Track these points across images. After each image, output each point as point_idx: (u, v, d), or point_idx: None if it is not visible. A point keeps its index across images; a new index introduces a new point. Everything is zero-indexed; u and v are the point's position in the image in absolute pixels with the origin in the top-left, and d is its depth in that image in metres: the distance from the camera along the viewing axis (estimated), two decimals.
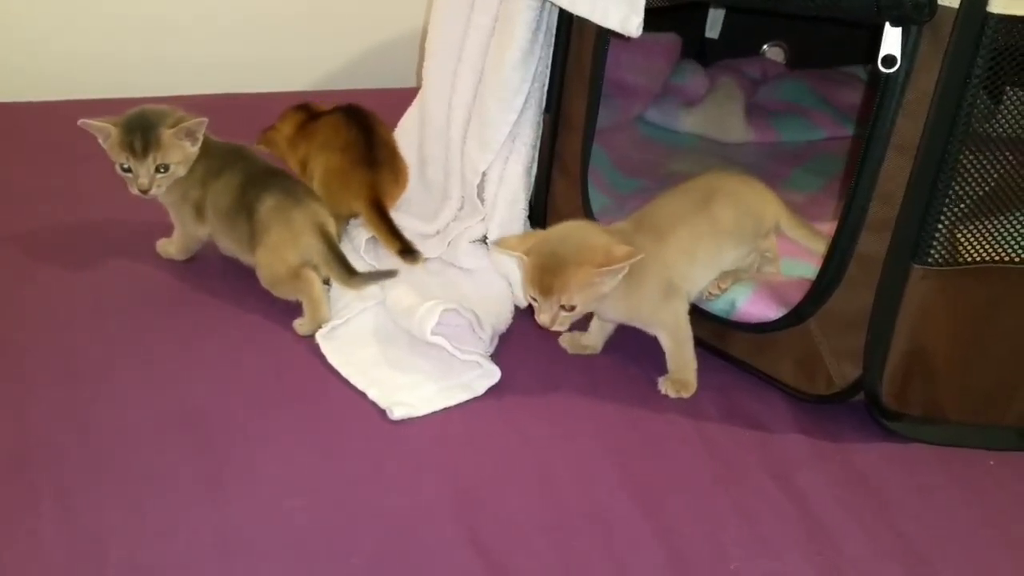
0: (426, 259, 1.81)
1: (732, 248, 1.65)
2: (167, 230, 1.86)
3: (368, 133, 1.91)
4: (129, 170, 1.71)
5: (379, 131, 1.94)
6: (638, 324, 1.62)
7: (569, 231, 1.54)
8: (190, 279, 1.81)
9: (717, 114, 2.51)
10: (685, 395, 1.59)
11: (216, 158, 1.77)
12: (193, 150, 1.73)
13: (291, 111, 2.04)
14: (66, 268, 1.82)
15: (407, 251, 1.75)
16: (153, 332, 1.66)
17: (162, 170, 1.71)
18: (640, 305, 1.56)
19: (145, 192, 1.72)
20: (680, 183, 1.70)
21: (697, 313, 1.64)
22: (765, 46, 2.88)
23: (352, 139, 1.89)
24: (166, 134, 1.69)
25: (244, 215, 1.71)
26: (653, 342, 1.62)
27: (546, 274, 1.47)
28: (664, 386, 1.60)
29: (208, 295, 1.77)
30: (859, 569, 1.27)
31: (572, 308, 1.49)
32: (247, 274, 1.75)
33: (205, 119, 1.73)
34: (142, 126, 1.70)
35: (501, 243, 1.57)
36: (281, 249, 1.68)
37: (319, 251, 1.68)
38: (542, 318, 1.50)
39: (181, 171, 1.74)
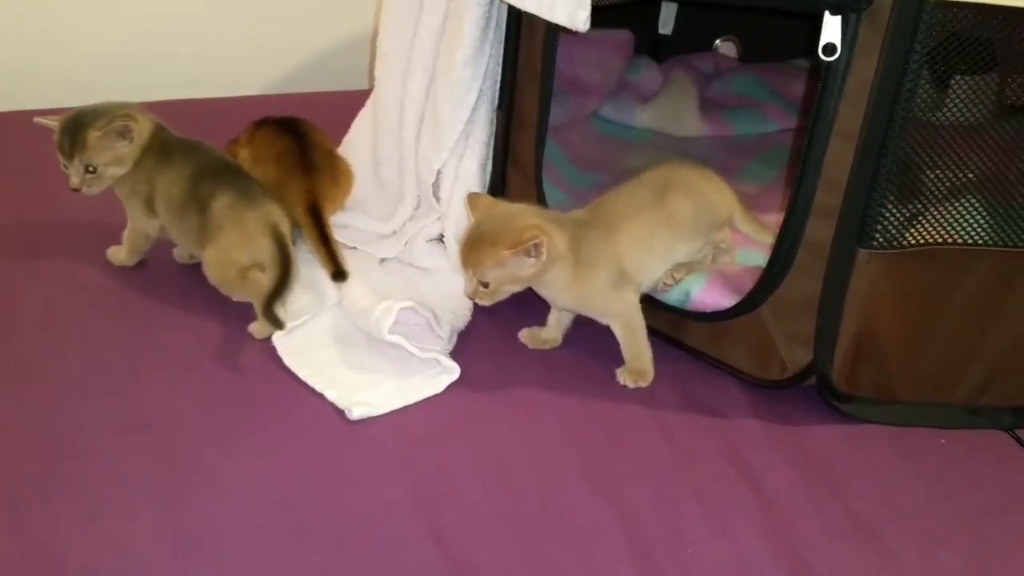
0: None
1: (687, 241, 1.67)
2: (119, 235, 1.85)
3: (301, 140, 1.91)
4: (67, 168, 1.74)
5: (312, 136, 1.94)
6: (591, 314, 1.64)
7: (514, 211, 1.56)
8: (141, 284, 1.80)
9: (671, 109, 2.53)
10: (643, 384, 1.60)
11: (167, 151, 1.77)
12: (126, 150, 1.73)
13: (242, 135, 2.03)
14: (14, 274, 1.81)
15: (339, 274, 1.73)
16: (105, 338, 1.65)
17: (91, 171, 1.72)
18: (591, 294, 1.57)
19: (78, 191, 1.73)
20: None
21: (652, 303, 1.66)
22: (717, 41, 2.91)
23: (285, 148, 1.89)
24: (91, 136, 1.69)
25: (195, 208, 1.70)
26: (611, 336, 1.63)
27: (467, 247, 1.52)
28: (622, 377, 1.61)
29: (161, 300, 1.76)
30: (814, 548, 1.29)
31: (487, 285, 1.52)
32: (200, 278, 1.74)
33: (130, 119, 1.73)
34: (72, 127, 1.71)
35: (471, 198, 1.60)
36: (232, 250, 1.67)
37: (271, 253, 1.67)
38: (465, 289, 1.55)
39: (115, 170, 1.74)
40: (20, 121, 2.02)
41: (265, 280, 1.67)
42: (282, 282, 1.65)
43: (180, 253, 1.88)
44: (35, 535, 1.25)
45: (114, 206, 1.82)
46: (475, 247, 1.50)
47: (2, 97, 2.51)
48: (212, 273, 1.70)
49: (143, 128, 1.75)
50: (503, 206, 1.59)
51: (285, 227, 1.71)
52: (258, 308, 1.66)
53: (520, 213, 1.56)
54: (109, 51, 2.65)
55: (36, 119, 1.70)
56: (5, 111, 2.43)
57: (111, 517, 1.28)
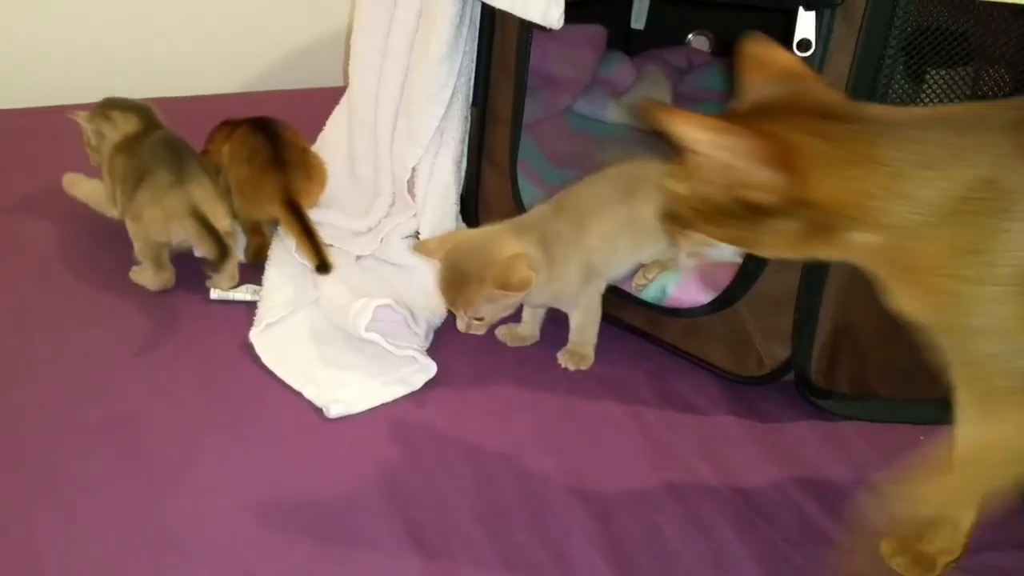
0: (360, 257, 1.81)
1: (653, 242, 1.67)
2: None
3: (274, 138, 1.90)
4: None
5: (285, 135, 1.93)
6: (559, 305, 1.66)
7: (479, 242, 1.55)
8: (113, 282, 1.79)
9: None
10: (584, 367, 1.63)
11: (131, 129, 1.88)
12: (95, 144, 1.91)
13: (216, 131, 2.02)
14: None
15: (323, 266, 1.73)
16: (78, 336, 1.64)
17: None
18: (564, 289, 1.59)
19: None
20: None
21: (629, 300, 1.66)
22: (690, 35, 2.91)
23: (258, 146, 1.88)
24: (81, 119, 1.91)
25: (132, 182, 1.76)
26: None
27: (451, 288, 1.52)
28: (564, 359, 1.64)
29: (135, 298, 1.75)
30: (792, 544, 1.29)
31: (481, 319, 1.54)
32: (176, 276, 1.74)
33: (100, 121, 1.87)
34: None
35: (420, 247, 1.61)
36: (153, 229, 1.73)
37: (193, 232, 1.71)
38: (459, 325, 1.56)
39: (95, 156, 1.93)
40: None
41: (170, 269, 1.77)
42: (219, 253, 1.71)
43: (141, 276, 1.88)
44: (12, 535, 1.24)
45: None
46: (461, 287, 1.50)
47: None
48: (136, 246, 1.78)
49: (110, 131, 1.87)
50: (465, 236, 1.58)
51: (210, 207, 1.73)
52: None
53: (493, 239, 1.55)
54: (83, 51, 2.63)
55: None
56: None
57: (87, 516, 1.27)
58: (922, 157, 0.97)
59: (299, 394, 1.52)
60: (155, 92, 2.49)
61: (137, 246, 1.78)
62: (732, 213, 1.04)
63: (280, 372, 1.56)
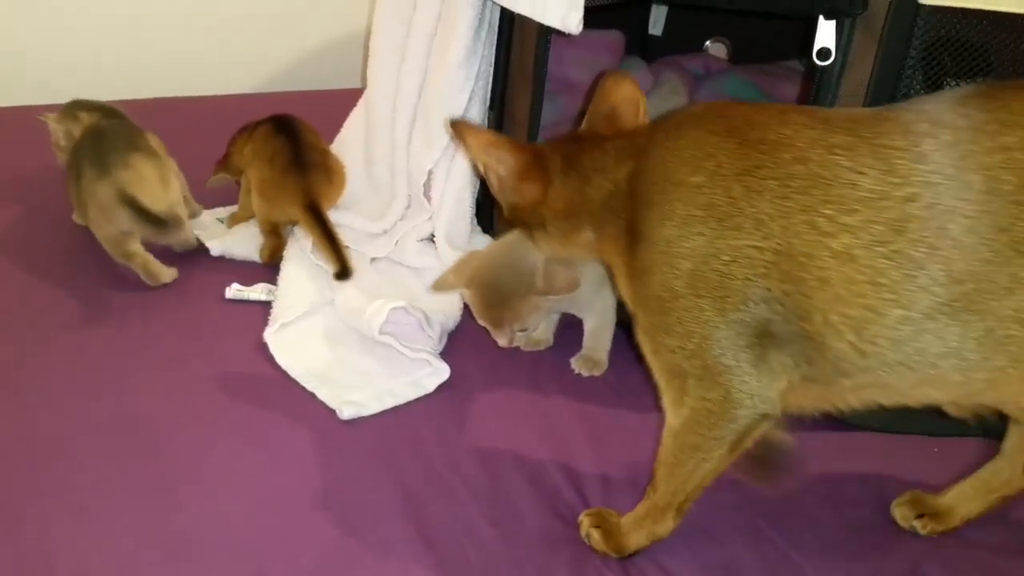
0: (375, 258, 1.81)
1: None
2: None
3: (295, 139, 1.91)
4: None
5: (306, 137, 1.94)
6: (574, 310, 1.67)
7: (502, 257, 1.55)
8: (127, 285, 1.79)
9: (661, 110, 2.50)
10: (597, 373, 1.63)
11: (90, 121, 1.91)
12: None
13: (237, 135, 2.03)
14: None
15: (343, 272, 1.74)
16: (92, 338, 1.65)
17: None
18: (581, 294, 1.57)
19: None
20: None
21: None
22: (708, 42, 2.90)
23: (279, 147, 1.89)
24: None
25: (73, 180, 1.82)
26: None
27: (492, 309, 1.52)
28: (577, 364, 1.64)
29: (150, 298, 1.76)
30: (805, 555, 1.29)
31: (525, 328, 1.55)
32: (187, 278, 1.75)
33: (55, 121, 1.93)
34: None
35: (437, 285, 1.60)
36: (99, 224, 1.78)
37: (129, 220, 1.74)
38: (500, 342, 1.56)
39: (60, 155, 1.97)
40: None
41: (139, 247, 1.79)
42: (154, 222, 1.75)
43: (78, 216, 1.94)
44: (25, 535, 1.24)
45: None
46: (506, 304, 1.52)
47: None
48: (103, 246, 1.81)
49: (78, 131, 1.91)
50: (483, 258, 1.57)
51: (138, 190, 1.75)
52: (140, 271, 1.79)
53: (517, 250, 1.54)
54: (103, 51, 2.65)
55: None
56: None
57: (100, 517, 1.28)
58: (597, 162, 1.20)
59: (312, 395, 1.52)
60: (175, 92, 2.51)
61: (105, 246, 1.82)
62: (518, 216, 1.30)
63: (294, 373, 1.57)
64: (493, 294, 1.52)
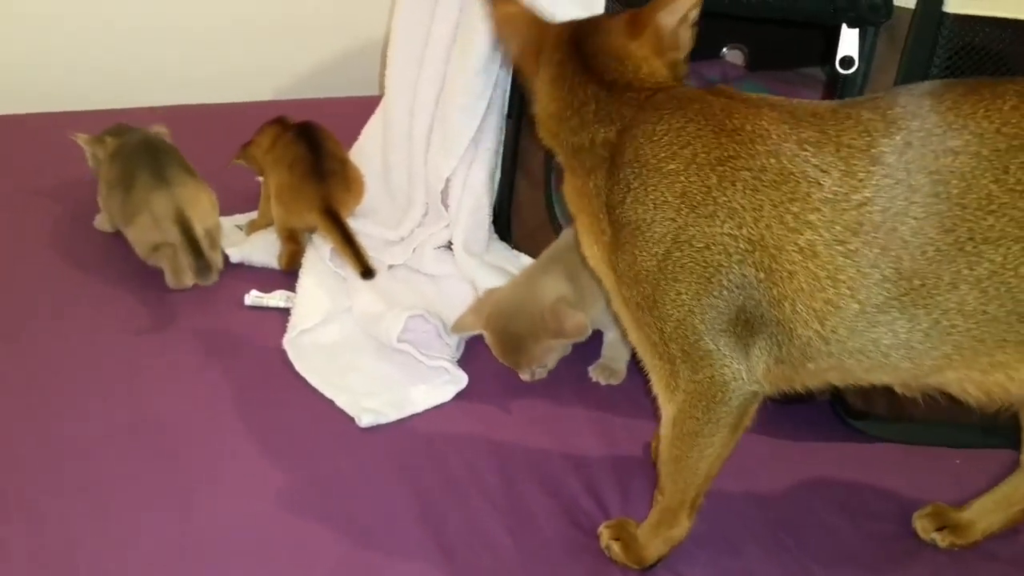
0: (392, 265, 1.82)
1: None
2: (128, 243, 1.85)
3: (316, 147, 1.91)
4: None
5: (327, 145, 1.94)
6: (594, 322, 1.64)
7: (517, 299, 1.56)
8: (149, 289, 1.79)
9: None
10: (615, 382, 1.63)
11: (115, 144, 1.91)
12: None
13: (267, 125, 2.03)
14: (23, 280, 1.81)
15: (367, 272, 1.75)
16: (114, 341, 1.65)
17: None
18: (597, 316, 1.58)
19: None
20: None
21: None
22: (724, 49, 2.89)
23: (300, 154, 1.90)
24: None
25: (121, 189, 1.81)
26: None
27: (511, 352, 1.54)
28: (595, 374, 1.64)
29: (171, 303, 1.76)
30: (825, 566, 1.28)
31: (544, 365, 1.57)
32: (210, 285, 1.75)
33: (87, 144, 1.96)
34: None
35: (457, 327, 1.61)
36: (145, 230, 1.78)
37: (177, 237, 1.75)
38: (524, 377, 1.58)
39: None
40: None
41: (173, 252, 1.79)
42: (197, 261, 1.76)
43: (101, 222, 1.96)
44: (47, 536, 1.25)
45: None
46: (521, 348, 1.54)
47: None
48: (137, 250, 1.82)
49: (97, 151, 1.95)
50: (500, 299, 1.58)
51: (193, 211, 1.78)
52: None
53: (531, 289, 1.57)
54: (124, 60, 2.66)
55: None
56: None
57: (119, 518, 1.28)
58: (585, 105, 1.17)
59: (331, 402, 1.52)
60: (195, 99, 2.52)
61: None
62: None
63: (312, 380, 1.57)
64: (506, 339, 1.54)
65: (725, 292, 1.06)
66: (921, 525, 1.35)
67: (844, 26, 1.33)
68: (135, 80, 2.63)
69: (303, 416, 1.50)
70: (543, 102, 1.22)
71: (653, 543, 1.25)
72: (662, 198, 1.07)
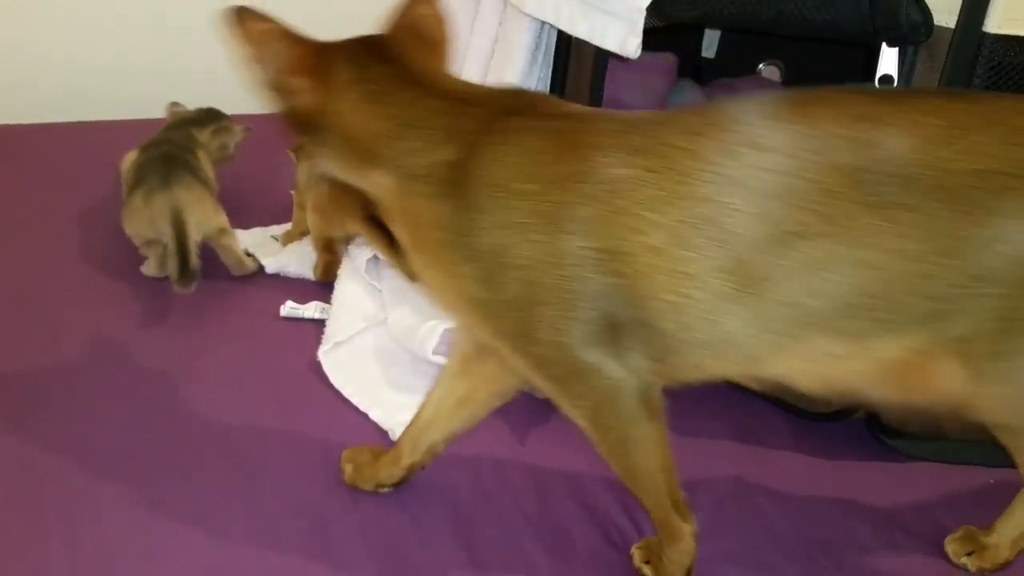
0: None
1: None
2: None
3: None
4: None
5: None
6: None
7: None
8: (183, 302, 1.80)
9: None
10: None
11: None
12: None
13: None
14: (59, 293, 1.83)
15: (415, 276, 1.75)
16: (150, 355, 1.66)
17: None
18: None
19: None
20: None
21: None
22: (761, 65, 2.89)
23: None
24: None
25: (137, 190, 1.84)
26: None
27: None
28: None
29: (205, 314, 1.78)
30: None
31: None
32: (242, 295, 1.77)
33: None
34: None
35: None
36: (139, 223, 1.81)
37: (169, 237, 1.76)
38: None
39: None
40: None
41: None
42: (180, 266, 1.75)
43: (147, 268, 1.92)
44: (86, 548, 1.26)
45: None
46: None
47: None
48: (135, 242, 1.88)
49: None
50: None
51: (189, 215, 1.79)
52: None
53: None
54: (151, 65, 2.70)
55: None
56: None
57: (157, 534, 1.29)
58: (414, 119, 1.13)
59: (365, 415, 1.53)
60: (228, 108, 2.52)
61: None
62: (296, 122, 1.20)
63: (347, 392, 1.57)
64: None
65: (591, 303, 1.07)
66: (952, 549, 1.34)
67: (884, 45, 1.33)
68: (161, 86, 2.64)
69: (337, 428, 1.51)
70: (353, 124, 1.16)
71: (673, 561, 1.24)
72: (518, 219, 1.07)
